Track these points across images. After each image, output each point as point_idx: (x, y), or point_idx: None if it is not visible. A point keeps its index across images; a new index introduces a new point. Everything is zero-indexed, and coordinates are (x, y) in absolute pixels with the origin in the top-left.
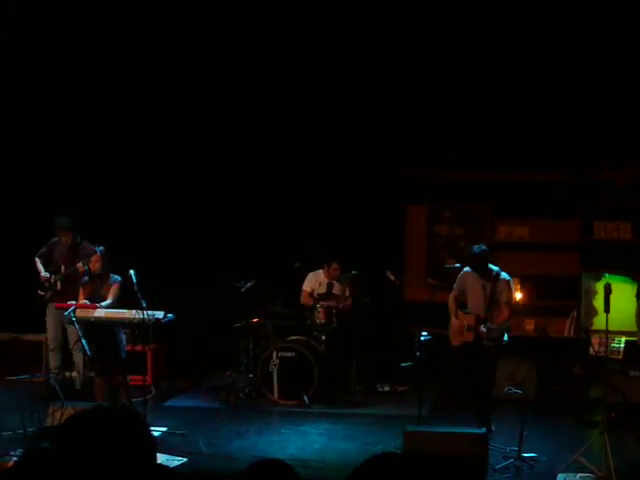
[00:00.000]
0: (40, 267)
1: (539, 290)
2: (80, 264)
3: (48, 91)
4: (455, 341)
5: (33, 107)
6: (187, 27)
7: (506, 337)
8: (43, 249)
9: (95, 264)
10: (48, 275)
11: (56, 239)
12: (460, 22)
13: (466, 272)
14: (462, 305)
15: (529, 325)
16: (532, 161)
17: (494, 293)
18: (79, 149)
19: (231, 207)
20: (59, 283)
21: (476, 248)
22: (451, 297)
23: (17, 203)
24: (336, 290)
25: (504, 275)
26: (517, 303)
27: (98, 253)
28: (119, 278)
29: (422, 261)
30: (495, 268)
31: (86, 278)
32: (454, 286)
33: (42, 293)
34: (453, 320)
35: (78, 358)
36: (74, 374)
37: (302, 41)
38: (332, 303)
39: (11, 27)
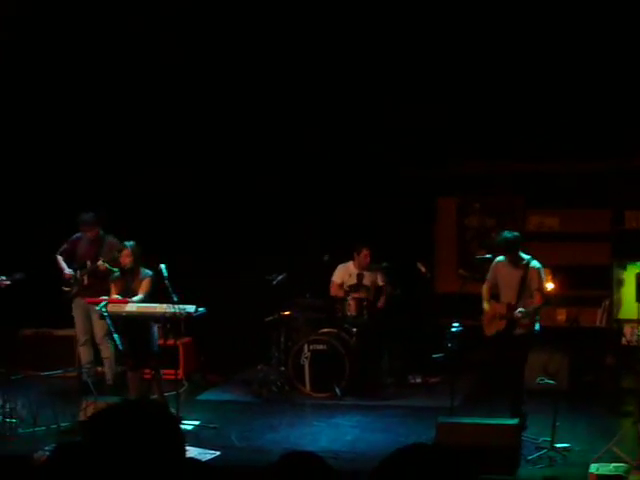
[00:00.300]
0: (63, 264)
1: (570, 280)
2: (100, 262)
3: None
4: (488, 330)
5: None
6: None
7: (537, 326)
8: (64, 246)
9: (125, 259)
10: (72, 272)
11: (79, 235)
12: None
13: (498, 262)
14: (495, 296)
15: (561, 315)
16: (562, 151)
17: (525, 281)
18: (102, 144)
19: (263, 200)
20: (85, 278)
21: (508, 233)
22: (485, 287)
23: (41, 198)
24: (367, 281)
25: (535, 263)
26: (549, 293)
27: (128, 248)
28: (150, 272)
29: (453, 253)
30: (526, 256)
31: (117, 273)
32: (487, 276)
33: (67, 289)
34: (486, 309)
35: (106, 353)
36: (104, 369)
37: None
38: (363, 295)
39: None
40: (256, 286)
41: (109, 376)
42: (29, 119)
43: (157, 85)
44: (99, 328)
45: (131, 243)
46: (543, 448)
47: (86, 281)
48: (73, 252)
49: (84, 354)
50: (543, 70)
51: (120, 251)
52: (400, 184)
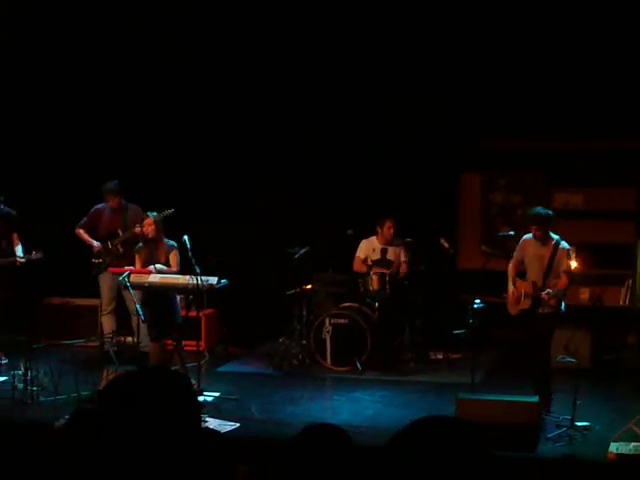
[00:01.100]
0: (88, 237)
1: (594, 259)
2: (137, 227)
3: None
4: (513, 309)
5: (62, 86)
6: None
7: (563, 307)
8: (84, 219)
9: (148, 227)
10: (100, 244)
11: (100, 207)
12: None
13: (526, 239)
14: (521, 274)
15: (584, 294)
16: (587, 129)
17: (553, 261)
18: (122, 117)
19: (284, 173)
20: (119, 247)
21: (542, 209)
22: (511, 265)
23: (61, 170)
24: (390, 255)
25: (564, 244)
26: (572, 271)
27: (151, 217)
28: (175, 244)
29: (476, 229)
30: (555, 236)
31: (140, 244)
32: (514, 254)
33: (98, 261)
34: (511, 288)
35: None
36: (131, 339)
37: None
38: (385, 270)
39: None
40: (279, 259)
41: (143, 342)
42: (52, 97)
43: (176, 61)
44: (131, 299)
45: (154, 213)
46: (563, 426)
47: (121, 249)
48: (96, 224)
49: (107, 323)
50: (570, 47)
51: (142, 220)
52: (424, 159)
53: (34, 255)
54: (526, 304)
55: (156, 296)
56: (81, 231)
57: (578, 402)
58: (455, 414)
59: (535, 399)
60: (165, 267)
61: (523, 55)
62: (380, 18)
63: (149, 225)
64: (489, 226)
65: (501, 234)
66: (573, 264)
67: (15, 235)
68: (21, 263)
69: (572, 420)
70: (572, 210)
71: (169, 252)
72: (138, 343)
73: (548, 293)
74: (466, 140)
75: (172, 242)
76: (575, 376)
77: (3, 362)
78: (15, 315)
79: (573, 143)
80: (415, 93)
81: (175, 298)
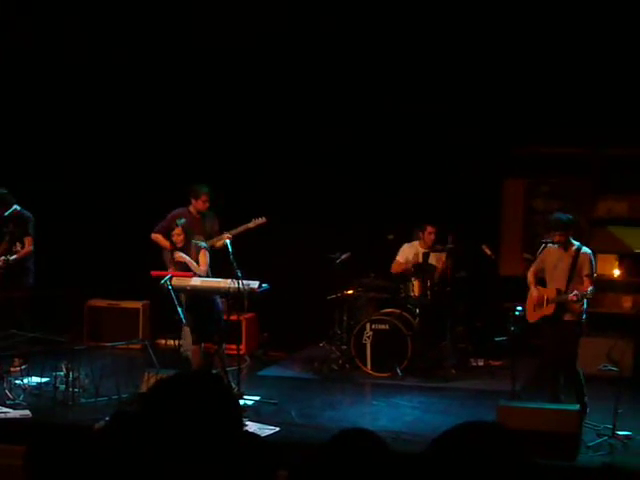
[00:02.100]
0: (164, 241)
1: (637, 267)
2: (227, 234)
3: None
4: (532, 317)
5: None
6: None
7: (585, 315)
8: (162, 223)
9: (178, 237)
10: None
11: (179, 211)
12: None
13: (549, 247)
14: (540, 282)
15: (627, 302)
16: (632, 136)
17: (576, 266)
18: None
19: (329, 178)
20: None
21: (562, 215)
22: (530, 272)
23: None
24: (432, 260)
25: (585, 249)
26: (615, 280)
27: (179, 226)
28: (205, 245)
29: (518, 235)
30: (576, 243)
31: (171, 253)
32: (535, 261)
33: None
34: (534, 292)
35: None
36: (172, 342)
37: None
38: (427, 275)
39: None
40: (320, 264)
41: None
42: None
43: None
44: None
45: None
46: (604, 435)
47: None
48: (172, 228)
49: (188, 335)
50: (619, 51)
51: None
52: (468, 165)
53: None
54: (549, 310)
55: (199, 300)
56: (159, 235)
57: (619, 411)
58: (495, 421)
59: (576, 407)
60: (250, 282)
61: (571, 59)
62: (427, 20)
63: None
64: (531, 233)
65: (543, 241)
66: (616, 272)
67: (29, 239)
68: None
69: (613, 429)
70: (615, 218)
71: (197, 252)
72: (179, 346)
73: (575, 294)
74: (511, 146)
75: (203, 244)
76: (617, 385)
77: (22, 368)
78: (56, 316)
79: (618, 149)
80: (461, 98)
81: (217, 301)
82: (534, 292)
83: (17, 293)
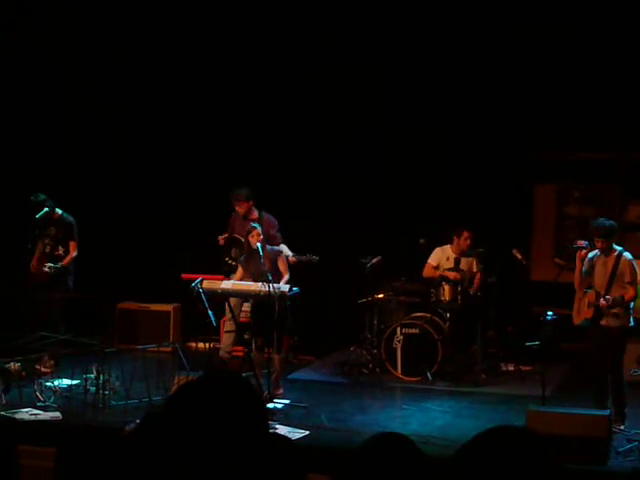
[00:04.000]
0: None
1: None
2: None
3: None
4: (576, 319)
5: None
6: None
7: (632, 322)
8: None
9: (257, 238)
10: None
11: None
12: None
13: (594, 254)
14: (589, 286)
15: None
16: None
17: (616, 272)
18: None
19: (359, 182)
20: (232, 262)
21: (605, 220)
22: (575, 276)
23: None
24: (463, 266)
25: (627, 255)
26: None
27: (258, 228)
28: (280, 248)
29: (550, 241)
30: (618, 248)
31: (243, 257)
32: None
33: (232, 262)
34: (577, 296)
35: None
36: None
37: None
38: (458, 277)
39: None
40: (351, 268)
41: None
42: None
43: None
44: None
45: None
46: (634, 441)
47: (233, 264)
48: (232, 228)
49: (227, 338)
50: None
51: (249, 232)
52: (499, 169)
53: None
54: (589, 313)
55: (263, 305)
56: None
57: None
58: (525, 426)
59: (606, 412)
60: (281, 285)
61: (603, 64)
62: (450, 27)
63: (258, 235)
64: (563, 238)
65: (575, 246)
66: None
67: (73, 244)
68: (51, 271)
69: None
70: None
71: (276, 258)
72: (216, 349)
73: (606, 300)
74: (542, 151)
75: (277, 248)
76: None
77: (47, 368)
78: (89, 318)
79: None
80: (492, 103)
81: (285, 307)
82: (578, 295)
83: (57, 294)
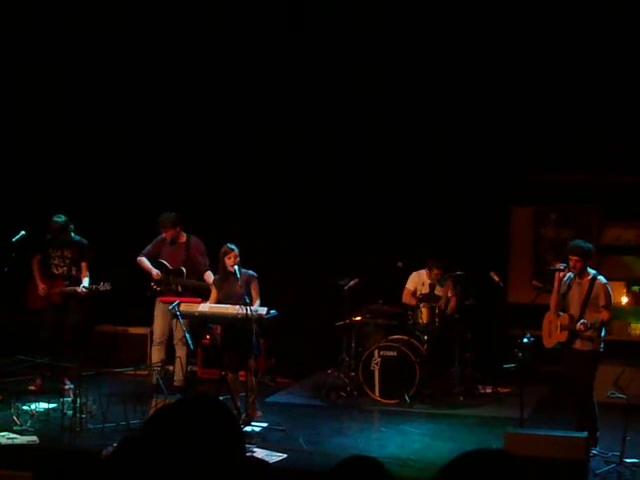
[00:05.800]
0: (149, 265)
1: None
2: (210, 281)
3: None
4: (548, 342)
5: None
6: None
7: (602, 345)
8: (148, 247)
9: (233, 260)
10: (159, 273)
11: (162, 236)
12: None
13: (568, 276)
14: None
15: (635, 330)
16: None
17: (590, 296)
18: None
19: (336, 206)
20: (179, 288)
21: (582, 242)
22: (554, 295)
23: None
24: (439, 291)
25: (601, 278)
26: (623, 307)
27: (236, 251)
28: (254, 273)
29: (527, 263)
30: (592, 271)
31: (217, 277)
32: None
33: (157, 288)
34: (546, 318)
35: (180, 352)
36: (172, 368)
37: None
38: (435, 303)
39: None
40: (328, 291)
41: (177, 377)
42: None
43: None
44: (180, 329)
45: (232, 246)
46: (612, 463)
47: (180, 289)
48: (158, 253)
49: (156, 353)
50: (624, 83)
51: (225, 254)
52: (475, 192)
53: (102, 286)
54: (562, 337)
55: (235, 328)
56: (143, 259)
57: (628, 438)
58: (503, 448)
59: (584, 435)
60: (258, 308)
61: (582, 86)
62: (433, 43)
63: (235, 258)
64: (540, 260)
65: (552, 268)
66: (624, 299)
67: (85, 264)
68: (83, 292)
69: (621, 456)
70: (623, 245)
71: (250, 282)
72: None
73: (583, 324)
74: (519, 173)
75: (251, 272)
76: (625, 412)
77: (68, 387)
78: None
79: (627, 177)
80: (467, 124)
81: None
82: (549, 317)
83: (73, 317)
